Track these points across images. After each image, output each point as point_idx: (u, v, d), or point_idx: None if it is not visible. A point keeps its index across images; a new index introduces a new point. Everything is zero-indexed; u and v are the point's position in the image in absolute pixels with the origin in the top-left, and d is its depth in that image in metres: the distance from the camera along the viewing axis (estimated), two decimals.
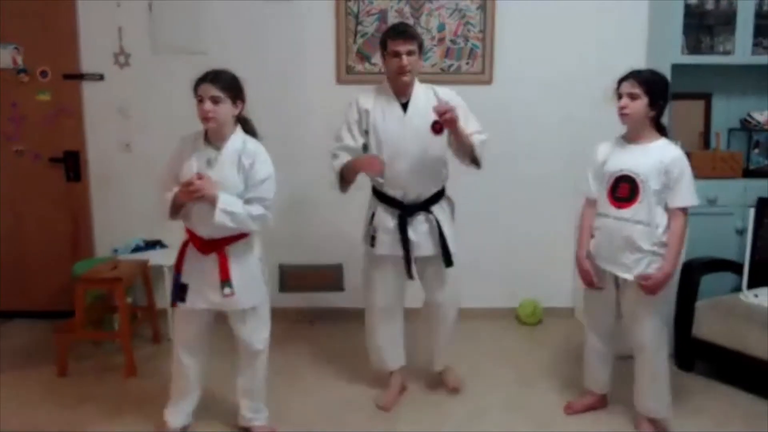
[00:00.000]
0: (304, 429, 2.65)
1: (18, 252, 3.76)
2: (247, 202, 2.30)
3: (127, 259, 3.46)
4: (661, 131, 2.48)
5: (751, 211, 3.14)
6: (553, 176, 3.70)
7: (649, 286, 2.38)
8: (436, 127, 2.54)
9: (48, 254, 3.76)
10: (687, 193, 2.38)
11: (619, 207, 2.42)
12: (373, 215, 2.71)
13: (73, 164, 3.70)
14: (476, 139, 2.63)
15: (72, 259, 3.65)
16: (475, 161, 2.67)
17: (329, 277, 3.80)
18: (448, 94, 2.66)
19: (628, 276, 2.43)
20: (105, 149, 3.72)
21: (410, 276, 2.70)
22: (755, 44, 3.44)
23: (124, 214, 3.71)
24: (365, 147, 2.64)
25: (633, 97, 2.36)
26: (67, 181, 3.72)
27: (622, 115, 2.40)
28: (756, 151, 3.63)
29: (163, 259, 3.41)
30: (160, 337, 3.46)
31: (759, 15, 3.40)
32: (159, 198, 2.38)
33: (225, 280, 2.33)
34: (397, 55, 2.51)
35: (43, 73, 3.63)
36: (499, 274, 3.82)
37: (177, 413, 2.54)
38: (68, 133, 3.68)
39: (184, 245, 2.41)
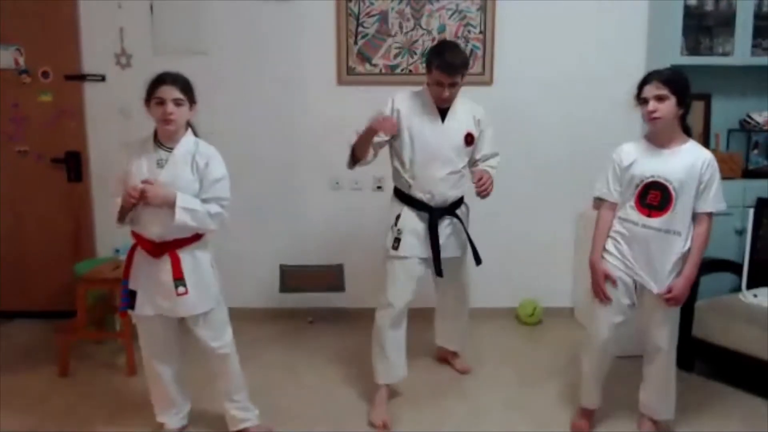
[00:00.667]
0: (304, 429, 2.66)
1: (19, 252, 3.77)
2: (204, 202, 2.29)
3: None
4: (686, 131, 2.39)
5: (751, 212, 3.15)
6: (553, 176, 3.71)
7: (675, 298, 2.34)
8: (468, 139, 2.68)
9: (49, 254, 3.77)
10: (717, 197, 2.32)
11: (649, 215, 2.31)
12: (397, 217, 2.72)
13: (74, 164, 3.71)
14: (492, 170, 2.76)
15: (73, 259, 3.66)
16: None
17: (329, 277, 3.81)
18: (483, 113, 2.79)
19: (654, 288, 2.36)
20: (106, 150, 3.72)
21: (440, 273, 2.73)
22: (754, 45, 3.45)
23: None
24: (390, 144, 2.72)
25: (661, 99, 2.25)
26: (68, 182, 3.73)
27: (653, 119, 2.28)
28: (755, 151, 3.64)
29: None
30: None
31: (758, 16, 3.41)
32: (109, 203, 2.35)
33: (178, 279, 2.30)
34: (440, 84, 2.56)
35: (45, 74, 3.65)
36: (499, 274, 3.82)
37: (170, 416, 2.53)
38: (70, 133, 3.70)
39: (132, 251, 2.37)
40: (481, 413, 2.77)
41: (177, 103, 2.24)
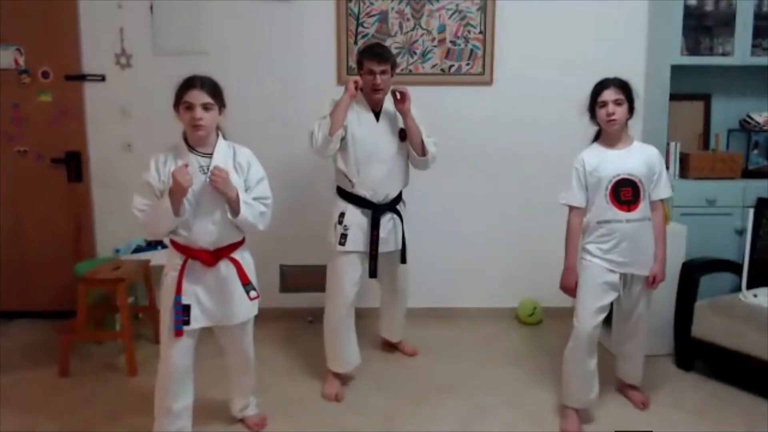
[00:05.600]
0: (304, 428, 2.66)
1: (20, 252, 3.77)
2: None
3: (128, 260, 3.47)
4: None
5: (751, 212, 3.15)
6: (553, 177, 3.68)
7: (659, 281, 2.58)
8: (402, 135, 2.87)
9: (50, 254, 3.77)
10: (667, 185, 2.59)
11: (628, 210, 2.51)
12: (342, 215, 2.88)
13: (74, 165, 3.71)
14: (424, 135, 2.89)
15: (73, 259, 3.66)
16: (424, 153, 2.88)
17: None
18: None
19: (644, 273, 2.58)
20: (106, 150, 3.73)
21: (373, 274, 2.90)
22: (754, 45, 3.45)
23: (126, 215, 3.67)
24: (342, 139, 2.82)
25: (619, 103, 2.49)
26: (68, 182, 3.73)
27: (611, 121, 2.49)
28: (755, 151, 3.64)
29: (164, 259, 3.37)
30: None
31: (758, 16, 3.42)
32: (147, 216, 2.25)
33: (247, 284, 2.34)
34: (372, 73, 2.76)
35: (45, 74, 3.65)
36: (499, 274, 3.83)
37: None
38: (70, 133, 3.70)
39: (183, 266, 2.28)
40: (481, 413, 2.77)
41: (206, 107, 2.20)
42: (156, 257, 3.46)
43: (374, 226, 2.84)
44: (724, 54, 3.51)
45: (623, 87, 2.51)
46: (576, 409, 2.65)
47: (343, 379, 2.99)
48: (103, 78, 3.67)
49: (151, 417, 2.54)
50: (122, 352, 3.15)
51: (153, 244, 3.65)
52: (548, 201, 3.74)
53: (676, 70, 3.39)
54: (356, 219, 2.86)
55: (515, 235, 3.79)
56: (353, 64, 3.63)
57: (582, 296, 2.60)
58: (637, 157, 2.54)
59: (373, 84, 2.76)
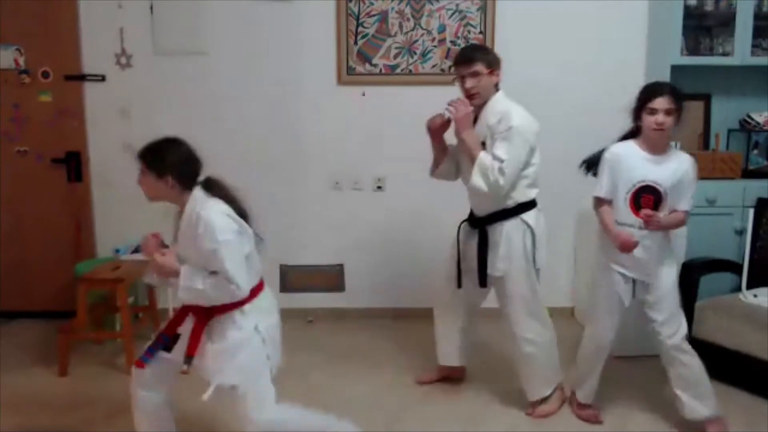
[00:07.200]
0: None
1: (20, 252, 3.77)
2: (212, 273, 1.98)
3: (128, 260, 3.47)
4: None
5: (751, 212, 3.15)
6: (553, 177, 3.68)
7: (654, 217, 2.40)
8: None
9: (50, 254, 3.77)
10: (688, 200, 2.47)
11: None
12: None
13: (74, 165, 3.72)
14: (485, 157, 2.52)
15: (73, 259, 3.66)
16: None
17: (329, 277, 3.81)
18: (501, 119, 2.57)
19: (653, 281, 2.51)
20: (106, 150, 3.73)
21: (459, 284, 2.79)
22: (754, 46, 3.45)
23: (126, 215, 3.72)
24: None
25: (669, 113, 2.36)
26: (68, 182, 3.73)
27: (659, 130, 2.37)
28: (755, 151, 3.64)
29: None
30: None
31: (758, 16, 3.41)
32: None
33: (189, 356, 2.03)
34: (462, 78, 2.57)
35: (45, 74, 3.65)
36: None
37: None
38: (70, 133, 3.70)
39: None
40: (482, 413, 2.77)
41: (143, 172, 2.15)
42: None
43: (458, 239, 2.77)
44: (724, 54, 3.51)
45: (678, 96, 2.38)
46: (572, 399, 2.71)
47: (445, 370, 2.99)
48: (103, 78, 3.67)
49: None
50: (122, 352, 3.15)
51: None
52: (548, 201, 3.75)
53: (676, 70, 3.39)
54: (464, 229, 2.79)
55: None
56: (353, 63, 3.65)
57: (597, 302, 2.63)
58: (668, 167, 2.43)
59: (465, 88, 2.56)
